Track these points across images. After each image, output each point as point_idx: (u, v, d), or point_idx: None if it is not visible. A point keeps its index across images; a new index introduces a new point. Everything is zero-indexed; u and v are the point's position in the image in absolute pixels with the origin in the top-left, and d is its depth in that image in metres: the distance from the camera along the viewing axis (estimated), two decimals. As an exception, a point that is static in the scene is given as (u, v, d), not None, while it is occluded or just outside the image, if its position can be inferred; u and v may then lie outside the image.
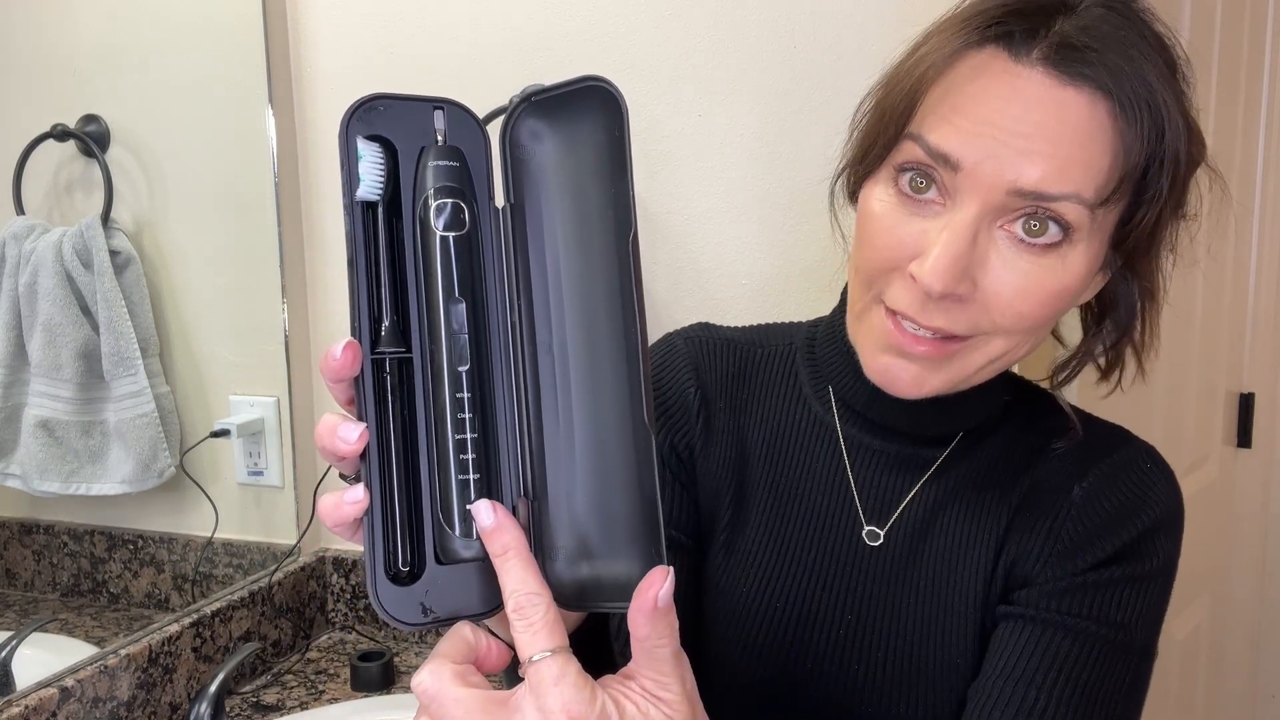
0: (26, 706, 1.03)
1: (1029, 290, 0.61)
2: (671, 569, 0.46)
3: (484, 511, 0.48)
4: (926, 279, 0.60)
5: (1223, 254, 1.67)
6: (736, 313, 1.26)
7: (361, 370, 0.46)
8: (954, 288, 0.60)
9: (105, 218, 1.20)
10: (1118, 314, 0.70)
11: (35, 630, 1.12)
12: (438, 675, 0.47)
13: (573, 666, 0.46)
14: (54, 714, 1.06)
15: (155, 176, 1.27)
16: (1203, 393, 1.65)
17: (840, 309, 0.76)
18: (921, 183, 0.63)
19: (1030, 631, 0.67)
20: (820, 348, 0.78)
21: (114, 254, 1.21)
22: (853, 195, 0.72)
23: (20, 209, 1.13)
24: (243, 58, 1.37)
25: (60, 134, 1.16)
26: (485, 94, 1.32)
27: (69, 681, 1.08)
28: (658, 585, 0.46)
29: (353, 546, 1.50)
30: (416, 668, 1.42)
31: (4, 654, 1.07)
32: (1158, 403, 1.50)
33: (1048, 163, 0.59)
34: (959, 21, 0.63)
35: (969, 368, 0.65)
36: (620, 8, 1.26)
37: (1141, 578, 0.68)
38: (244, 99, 1.38)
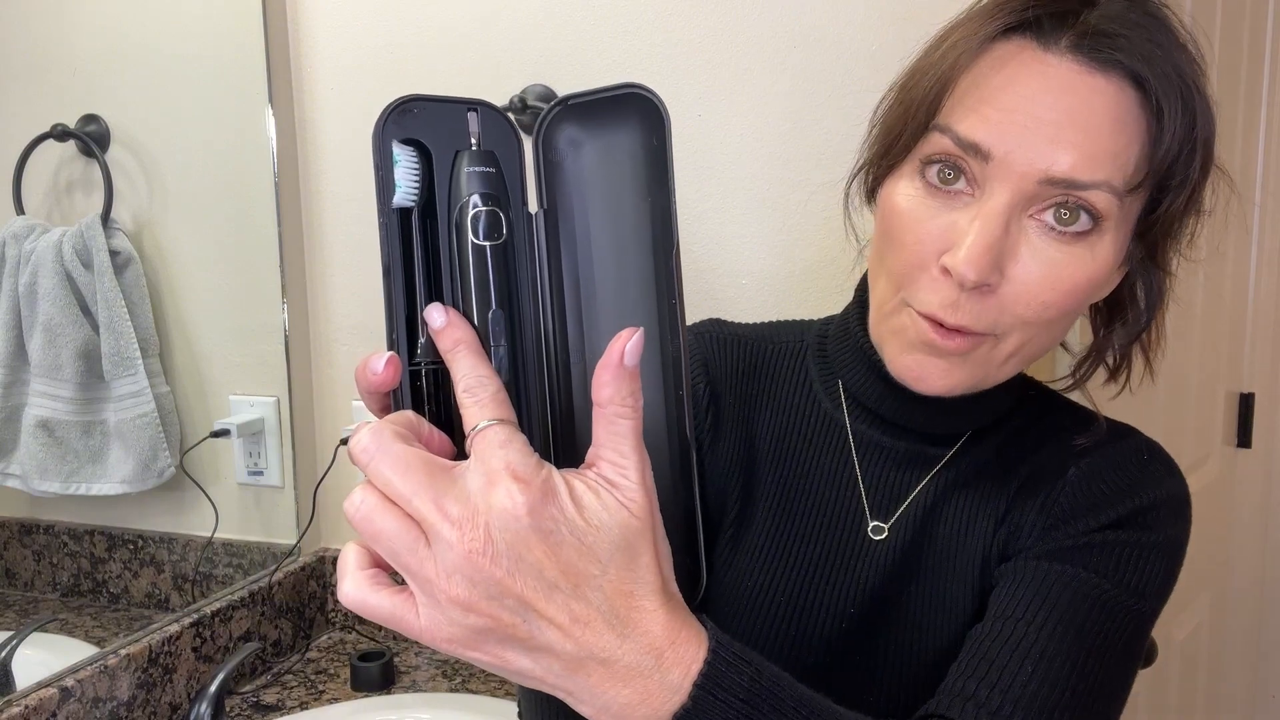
0: (26, 706, 1.03)
1: (1057, 280, 0.61)
2: (642, 329, 0.45)
3: (436, 313, 0.46)
4: (961, 268, 0.59)
5: (1223, 254, 1.67)
6: (738, 312, 1.26)
7: (400, 383, 0.46)
8: (988, 276, 0.60)
9: (105, 218, 1.20)
10: (1129, 311, 0.70)
11: (35, 630, 1.12)
12: (378, 433, 0.43)
13: (520, 438, 0.43)
14: (54, 714, 1.06)
15: (155, 176, 1.27)
16: (1203, 393, 1.65)
17: (854, 306, 0.76)
18: (950, 174, 0.62)
19: (1025, 580, 0.66)
20: (832, 344, 0.78)
21: (114, 254, 1.21)
22: (871, 194, 0.72)
23: (20, 209, 1.13)
24: (243, 58, 1.37)
25: (60, 134, 1.16)
26: (486, 92, 1.31)
27: (69, 681, 1.08)
28: (625, 339, 0.44)
29: (353, 546, 1.50)
30: (417, 667, 1.43)
31: (4, 654, 1.07)
32: (1158, 403, 1.50)
33: (1079, 151, 0.58)
34: (986, 12, 0.63)
35: (995, 361, 0.65)
36: (621, 8, 1.26)
37: (1138, 545, 0.68)
38: (244, 99, 1.38)
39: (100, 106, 1.20)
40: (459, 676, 1.35)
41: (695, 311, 1.28)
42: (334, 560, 1.48)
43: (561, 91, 1.30)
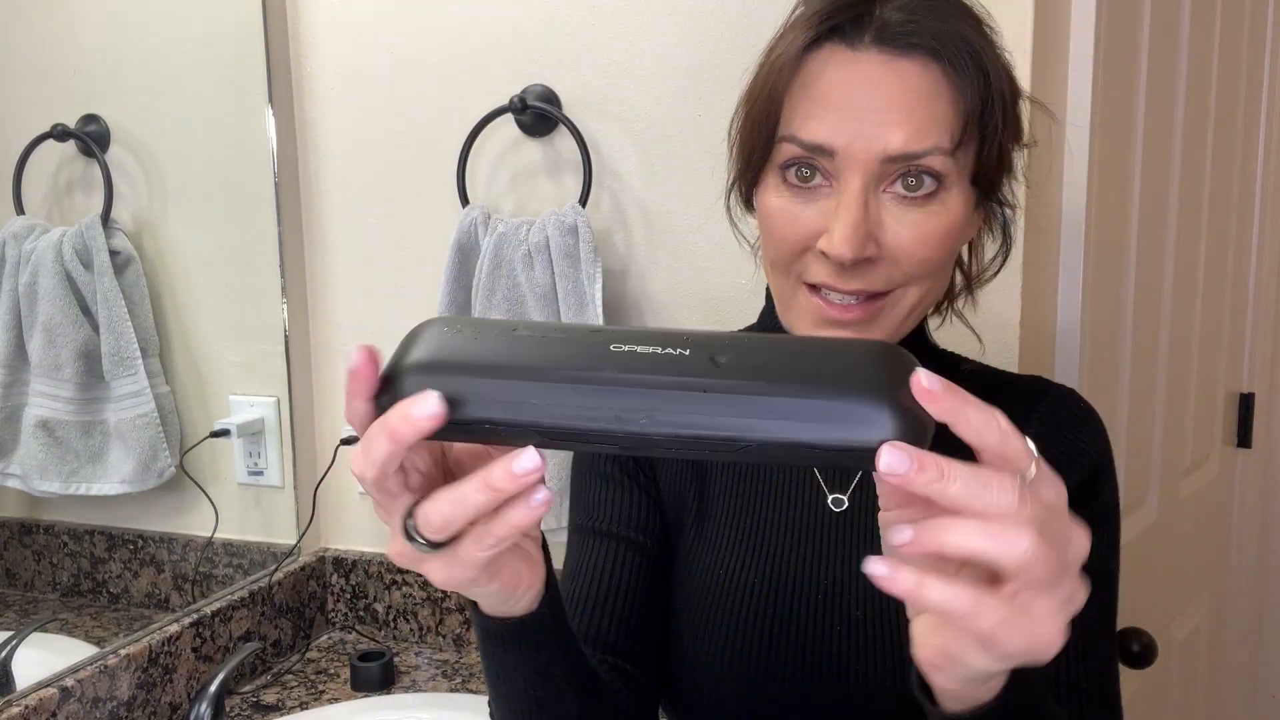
0: (26, 706, 1.03)
1: (925, 236, 0.69)
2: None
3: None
4: (837, 249, 0.67)
5: (1223, 254, 1.67)
6: (736, 312, 1.26)
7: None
8: (862, 252, 0.68)
9: (105, 218, 1.20)
10: (985, 243, 0.82)
11: (35, 630, 1.12)
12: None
13: None
14: (54, 714, 1.06)
15: (155, 176, 1.27)
16: (1203, 393, 1.65)
17: (768, 306, 0.84)
18: (806, 172, 0.70)
19: None
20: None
21: (114, 254, 1.21)
22: (748, 203, 0.79)
23: (20, 209, 1.13)
24: (243, 58, 1.37)
25: (60, 134, 1.16)
26: (485, 93, 1.32)
27: (69, 681, 1.08)
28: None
29: (353, 546, 1.50)
30: (417, 667, 1.43)
31: (4, 654, 1.07)
32: (1158, 403, 1.50)
33: (905, 128, 0.67)
34: (795, 28, 0.72)
35: (896, 319, 0.73)
36: (621, 8, 1.26)
37: (1100, 515, 0.77)
38: (244, 99, 1.38)
39: (100, 106, 1.20)
40: (459, 676, 1.35)
41: (694, 313, 1.28)
42: (334, 560, 1.48)
43: (561, 91, 1.30)
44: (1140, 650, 1.21)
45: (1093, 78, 1.19)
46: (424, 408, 0.42)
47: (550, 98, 1.29)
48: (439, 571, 0.48)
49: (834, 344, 0.46)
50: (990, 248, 0.83)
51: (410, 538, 0.47)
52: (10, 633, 1.09)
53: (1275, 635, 1.96)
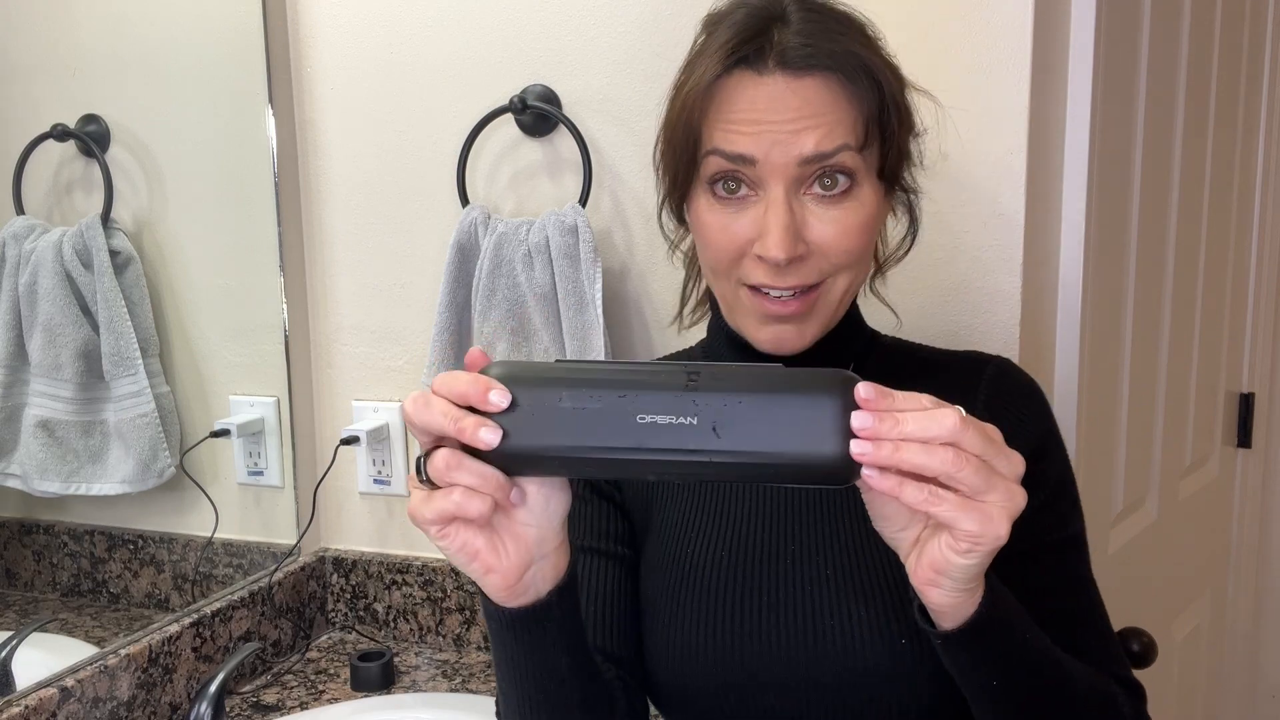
0: (26, 706, 1.03)
1: (846, 230, 0.77)
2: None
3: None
4: (772, 253, 0.75)
5: (1223, 255, 1.67)
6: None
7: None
8: (793, 251, 0.76)
9: (105, 217, 1.20)
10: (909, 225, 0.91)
11: (35, 630, 1.12)
12: None
13: None
14: (54, 714, 1.06)
15: (155, 176, 1.27)
16: (1203, 393, 1.65)
17: (714, 316, 0.90)
18: (733, 185, 0.78)
19: (1020, 565, 0.79)
20: (710, 344, 0.93)
21: (114, 254, 1.21)
22: (680, 218, 0.87)
23: (20, 209, 1.13)
24: (243, 58, 1.37)
25: (60, 134, 1.16)
26: (486, 92, 1.32)
27: (69, 681, 1.08)
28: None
29: (353, 546, 1.50)
30: (417, 667, 1.42)
31: (4, 654, 1.07)
32: (1158, 403, 1.50)
33: (815, 133, 0.75)
34: (703, 61, 0.79)
35: (831, 306, 0.81)
36: (622, 8, 1.26)
37: (1056, 481, 0.85)
38: (244, 99, 1.38)
39: (100, 106, 1.20)
40: (459, 676, 1.35)
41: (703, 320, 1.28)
42: (334, 560, 1.48)
43: (561, 91, 1.30)
44: (1140, 650, 1.21)
45: (1093, 78, 1.19)
46: (492, 396, 0.58)
47: (550, 98, 1.29)
48: (414, 501, 0.60)
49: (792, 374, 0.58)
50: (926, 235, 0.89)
51: (418, 469, 0.60)
52: (10, 633, 1.09)
53: (1275, 635, 1.96)
